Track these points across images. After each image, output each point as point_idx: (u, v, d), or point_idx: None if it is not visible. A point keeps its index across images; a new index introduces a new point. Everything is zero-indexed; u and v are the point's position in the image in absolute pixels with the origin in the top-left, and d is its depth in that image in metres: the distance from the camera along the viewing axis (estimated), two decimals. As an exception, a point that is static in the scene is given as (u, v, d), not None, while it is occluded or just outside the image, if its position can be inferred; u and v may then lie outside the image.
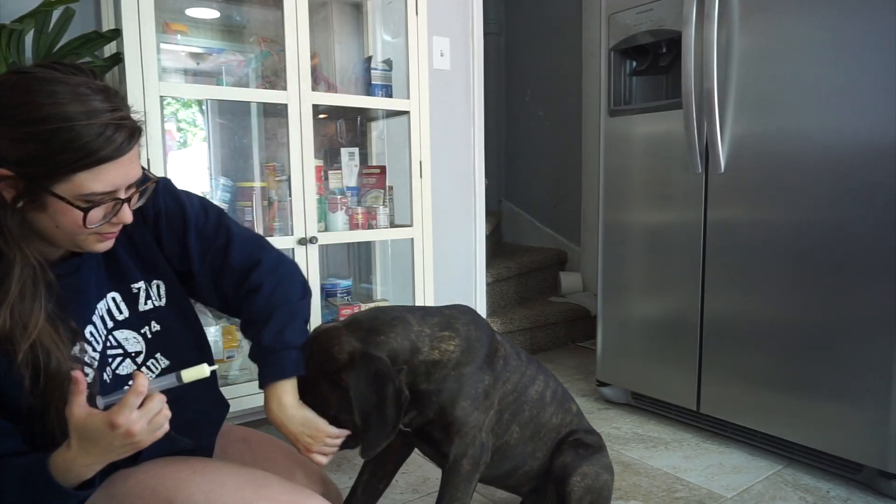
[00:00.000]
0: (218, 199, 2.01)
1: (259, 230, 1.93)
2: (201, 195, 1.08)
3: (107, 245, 0.89)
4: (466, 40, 2.60)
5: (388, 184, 2.15)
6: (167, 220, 1.00)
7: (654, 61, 2.08)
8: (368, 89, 2.11)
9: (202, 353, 1.07)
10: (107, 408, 0.79)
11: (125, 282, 0.97)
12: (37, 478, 0.79)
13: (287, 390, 1.01)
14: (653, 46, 2.05)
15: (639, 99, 2.17)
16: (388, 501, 1.56)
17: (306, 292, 1.09)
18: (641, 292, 2.12)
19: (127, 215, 0.86)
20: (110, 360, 0.94)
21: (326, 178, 2.09)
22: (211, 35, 2.16)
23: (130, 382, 0.95)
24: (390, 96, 2.13)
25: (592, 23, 3.40)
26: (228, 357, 1.97)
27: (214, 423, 1.12)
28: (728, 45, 1.78)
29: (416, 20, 2.05)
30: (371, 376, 1.01)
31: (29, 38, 1.54)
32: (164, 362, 1.01)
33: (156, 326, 1.00)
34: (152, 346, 0.99)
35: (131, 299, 0.98)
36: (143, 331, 0.99)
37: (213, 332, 2.00)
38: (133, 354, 0.97)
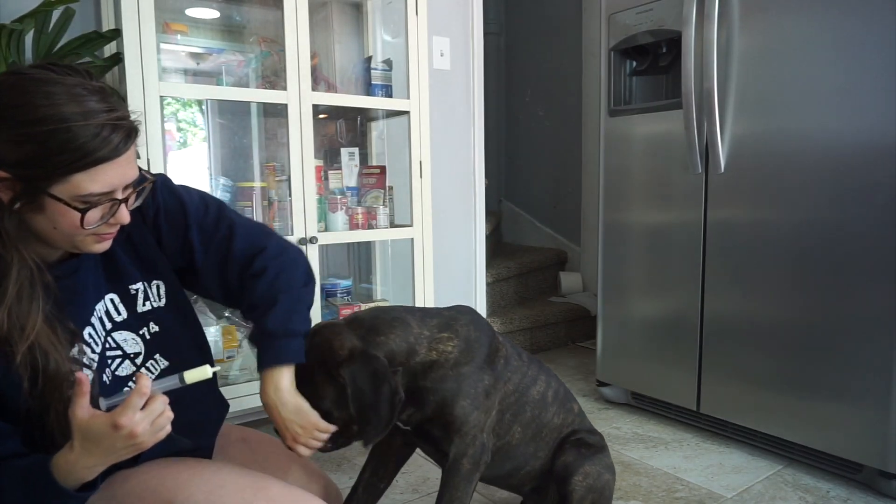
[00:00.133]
0: (218, 199, 2.01)
1: (259, 230, 1.93)
2: (200, 189, 1.08)
3: (105, 246, 0.89)
4: (466, 40, 2.60)
5: (388, 184, 2.15)
6: (167, 217, 1.00)
7: (654, 61, 2.08)
8: (368, 89, 2.11)
9: (201, 353, 1.07)
10: (109, 409, 0.79)
11: (123, 283, 0.97)
12: (38, 478, 0.79)
13: (285, 376, 1.01)
14: (653, 46, 2.05)
15: (639, 99, 2.17)
16: (389, 501, 1.56)
17: (310, 279, 1.09)
18: (641, 292, 2.12)
19: (124, 216, 0.86)
20: (109, 361, 0.94)
21: (326, 178, 2.09)
22: (211, 35, 2.16)
23: (130, 384, 0.96)
24: (390, 96, 2.13)
25: (592, 23, 3.40)
26: (228, 357, 1.98)
27: (214, 423, 1.12)
28: (728, 45, 1.78)
29: (416, 20, 2.05)
30: (369, 375, 1.02)
31: (29, 38, 1.54)
32: (164, 363, 1.01)
33: (154, 327, 1.00)
34: (151, 347, 0.99)
35: (129, 300, 0.98)
36: (141, 332, 0.99)
37: (213, 332, 2.00)
38: (132, 355, 0.97)
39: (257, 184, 2.02)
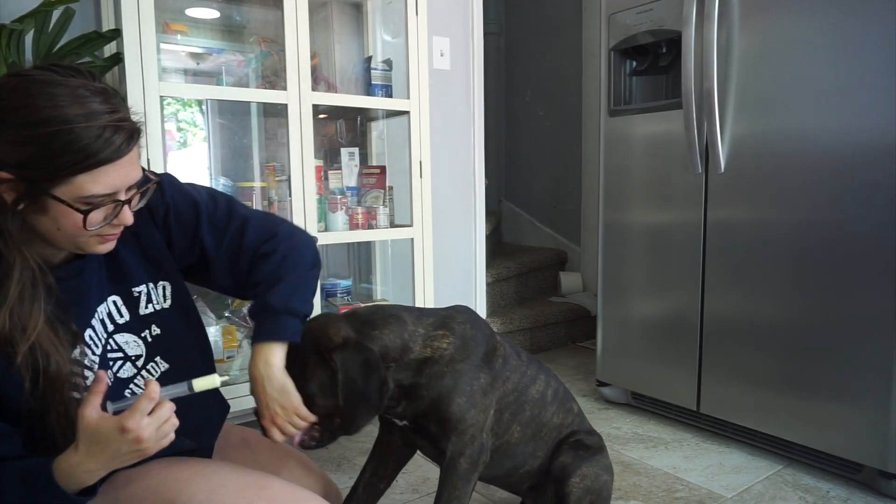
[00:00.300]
0: (218, 199, 2.01)
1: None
2: (206, 186, 1.09)
3: (108, 247, 0.89)
4: (466, 40, 2.60)
5: (388, 184, 2.15)
6: (176, 216, 1.01)
7: (654, 61, 2.08)
8: (368, 89, 2.11)
9: (203, 355, 1.08)
10: (115, 413, 0.79)
11: (126, 285, 0.97)
12: (38, 480, 0.79)
13: (277, 353, 1.01)
14: (653, 46, 2.05)
15: (639, 99, 2.17)
16: (389, 501, 1.56)
17: (316, 263, 1.10)
18: (641, 292, 2.12)
19: (127, 217, 0.86)
20: (110, 363, 0.94)
21: (326, 178, 2.09)
22: (211, 35, 2.16)
23: (132, 386, 0.96)
24: (390, 96, 2.13)
25: (592, 23, 3.40)
26: (228, 357, 1.97)
27: (216, 424, 1.13)
28: (728, 45, 1.78)
29: (416, 20, 2.05)
30: (360, 363, 1.03)
31: (29, 38, 1.54)
32: (164, 365, 1.01)
33: (156, 330, 1.00)
34: (152, 350, 1.00)
35: (132, 303, 0.98)
36: (143, 334, 0.99)
37: (214, 332, 2.00)
38: (133, 358, 0.97)
39: (257, 184, 2.02)
